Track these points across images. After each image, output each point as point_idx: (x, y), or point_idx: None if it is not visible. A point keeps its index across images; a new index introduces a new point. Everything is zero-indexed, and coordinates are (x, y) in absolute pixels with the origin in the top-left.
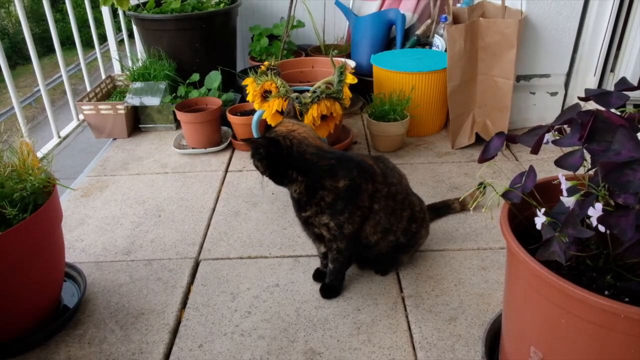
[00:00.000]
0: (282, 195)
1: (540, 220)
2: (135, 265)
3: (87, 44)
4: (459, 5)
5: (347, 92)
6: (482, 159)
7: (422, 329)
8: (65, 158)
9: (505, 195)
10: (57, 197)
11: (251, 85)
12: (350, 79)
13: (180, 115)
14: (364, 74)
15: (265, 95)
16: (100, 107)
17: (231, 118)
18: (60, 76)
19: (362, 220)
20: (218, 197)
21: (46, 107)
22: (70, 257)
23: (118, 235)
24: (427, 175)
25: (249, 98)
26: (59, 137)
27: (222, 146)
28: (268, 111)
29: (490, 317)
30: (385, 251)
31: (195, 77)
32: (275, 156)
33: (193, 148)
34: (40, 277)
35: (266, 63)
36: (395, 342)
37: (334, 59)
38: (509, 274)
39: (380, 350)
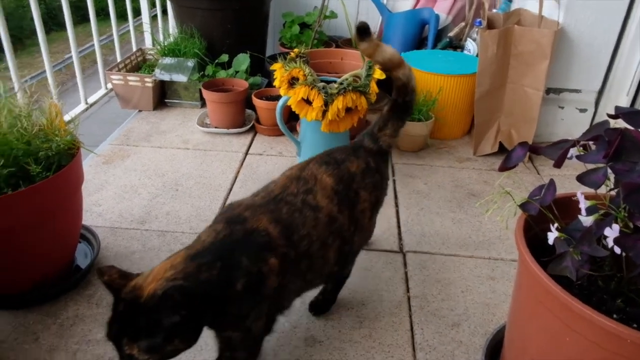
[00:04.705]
0: None
1: (552, 235)
2: (148, 235)
3: (121, 17)
4: (494, 10)
5: (373, 87)
6: (503, 168)
7: (424, 330)
8: (90, 125)
9: (523, 206)
10: (80, 160)
11: (279, 71)
12: (379, 74)
13: (206, 94)
14: None
15: (292, 82)
16: (129, 78)
17: (256, 102)
18: (91, 45)
19: (274, 303)
20: (236, 177)
21: (77, 73)
22: (86, 219)
23: (135, 204)
24: (447, 179)
25: (276, 83)
26: (86, 103)
27: (245, 128)
28: (293, 98)
29: (494, 327)
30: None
31: (224, 57)
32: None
33: (216, 127)
34: (58, 236)
35: (296, 50)
36: (396, 341)
37: None
38: (518, 284)
39: (380, 347)
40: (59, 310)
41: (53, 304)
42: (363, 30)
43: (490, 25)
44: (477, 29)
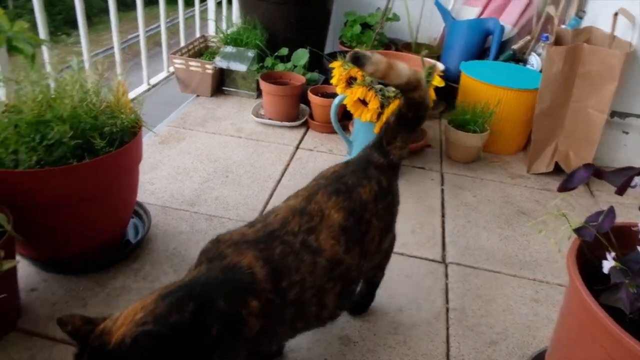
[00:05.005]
0: None
1: (608, 264)
2: (197, 217)
3: (187, 2)
4: (563, 26)
5: (431, 94)
6: (563, 188)
7: (460, 344)
8: (148, 106)
9: (578, 230)
10: (141, 138)
11: (338, 69)
12: (437, 82)
13: (263, 85)
14: (451, 80)
15: (350, 81)
16: (190, 63)
17: (312, 97)
18: (154, 28)
19: (257, 348)
20: (285, 170)
21: (142, 55)
22: (140, 196)
23: (186, 186)
24: (496, 195)
25: (333, 81)
26: (149, 84)
27: (298, 122)
28: (350, 97)
29: (532, 350)
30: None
31: (284, 51)
32: None
33: (270, 119)
34: (114, 209)
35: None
36: (430, 351)
37: (424, 58)
38: (565, 310)
39: (413, 355)
40: (107, 280)
41: (103, 274)
42: (356, 60)
43: (558, 41)
44: (543, 44)
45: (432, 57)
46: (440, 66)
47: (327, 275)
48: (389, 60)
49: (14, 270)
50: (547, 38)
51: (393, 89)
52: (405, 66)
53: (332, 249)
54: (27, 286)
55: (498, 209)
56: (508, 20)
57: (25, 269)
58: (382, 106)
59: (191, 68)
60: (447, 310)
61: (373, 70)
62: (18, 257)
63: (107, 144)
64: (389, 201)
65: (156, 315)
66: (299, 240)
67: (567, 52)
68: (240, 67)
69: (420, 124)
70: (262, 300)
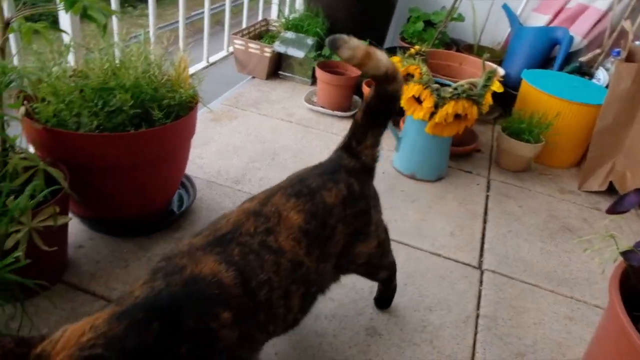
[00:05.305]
0: (394, 181)
1: None
2: (240, 195)
3: None
4: (638, 43)
5: (488, 99)
6: (612, 211)
7: (486, 351)
8: (205, 82)
9: (625, 254)
10: (196, 113)
11: (396, 65)
12: (496, 87)
13: (319, 74)
14: (510, 86)
15: (407, 78)
16: (250, 45)
17: (366, 90)
18: (217, 7)
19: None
20: None
21: (205, 32)
22: (188, 169)
23: (233, 163)
24: (543, 208)
25: None
26: (207, 62)
27: (349, 113)
28: (405, 94)
29: None
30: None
31: None
32: None
33: (322, 107)
34: (164, 178)
35: (417, 47)
36: (455, 353)
37: (485, 62)
38: (601, 332)
39: (438, 355)
40: (150, 245)
41: (146, 239)
42: (333, 42)
43: (630, 58)
44: (613, 59)
45: (493, 62)
46: (501, 71)
47: (291, 276)
48: (368, 47)
49: (65, 226)
50: (618, 53)
51: (450, 90)
52: (385, 56)
53: (293, 250)
54: (75, 242)
55: (543, 222)
56: (578, 31)
57: (74, 227)
58: (437, 106)
59: (250, 50)
60: (478, 316)
61: (349, 55)
62: (69, 215)
63: (164, 115)
64: (361, 208)
65: (108, 338)
66: (257, 241)
67: (637, 70)
68: (298, 53)
69: (390, 118)
70: (234, 309)
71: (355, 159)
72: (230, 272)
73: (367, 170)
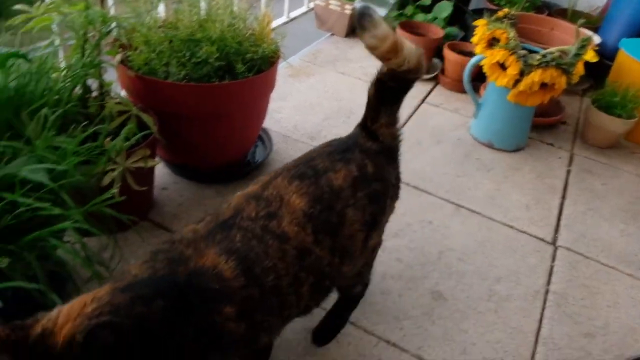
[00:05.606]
0: (470, 149)
1: None
2: None
3: None
4: None
5: (579, 69)
6: None
7: (553, 327)
8: (285, 38)
9: None
10: (276, 68)
11: (482, 28)
12: (590, 56)
13: (399, 33)
14: (606, 56)
15: (492, 42)
16: (330, 1)
17: (447, 53)
18: None
19: (248, 345)
20: (406, 123)
21: None
22: (266, 122)
23: (309, 120)
24: (628, 188)
25: (474, 40)
26: (288, 17)
27: (428, 76)
28: (488, 59)
29: (631, 353)
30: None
31: (427, 1)
32: None
33: None
34: (244, 129)
35: (505, 10)
36: (520, 326)
37: (580, 29)
38: None
39: (502, 325)
40: (227, 192)
41: (223, 187)
42: (361, 17)
43: None
44: None
45: (589, 28)
46: (597, 39)
47: (299, 264)
48: (397, 39)
49: (153, 168)
50: None
51: (538, 57)
52: (414, 53)
53: (297, 236)
54: (160, 184)
55: (627, 203)
56: None
57: (160, 170)
58: (522, 73)
59: (330, 6)
60: (547, 292)
61: (372, 45)
62: (157, 158)
63: (246, 69)
64: (376, 190)
65: (115, 306)
66: (259, 226)
67: None
68: (379, 12)
69: (404, 95)
70: (238, 302)
71: (373, 140)
72: (230, 262)
73: (388, 153)
